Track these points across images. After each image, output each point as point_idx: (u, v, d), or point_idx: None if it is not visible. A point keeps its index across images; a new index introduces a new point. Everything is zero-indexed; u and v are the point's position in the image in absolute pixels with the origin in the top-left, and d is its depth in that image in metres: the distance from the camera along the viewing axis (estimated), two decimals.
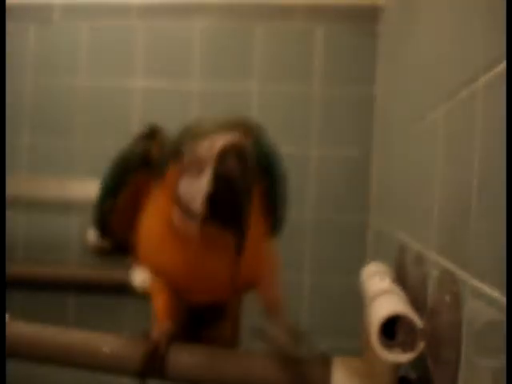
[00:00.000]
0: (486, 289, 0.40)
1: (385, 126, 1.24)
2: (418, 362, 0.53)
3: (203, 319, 0.79)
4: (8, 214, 1.42)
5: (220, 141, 0.54)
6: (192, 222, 0.58)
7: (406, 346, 0.51)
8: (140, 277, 1.40)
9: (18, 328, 0.74)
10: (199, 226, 0.58)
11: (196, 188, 0.55)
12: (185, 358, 0.65)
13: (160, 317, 0.71)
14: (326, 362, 0.63)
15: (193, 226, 0.59)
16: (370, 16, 1.35)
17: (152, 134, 0.72)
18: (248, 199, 0.55)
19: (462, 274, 0.47)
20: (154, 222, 0.66)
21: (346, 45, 1.37)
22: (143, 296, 1.41)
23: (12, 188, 1.44)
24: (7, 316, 0.76)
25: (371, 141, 1.35)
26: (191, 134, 0.59)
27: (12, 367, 1.45)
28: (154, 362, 0.64)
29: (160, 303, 0.72)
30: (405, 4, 0.96)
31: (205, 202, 0.55)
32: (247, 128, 0.59)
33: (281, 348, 0.64)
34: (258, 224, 0.67)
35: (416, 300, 0.61)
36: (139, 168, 0.68)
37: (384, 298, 0.58)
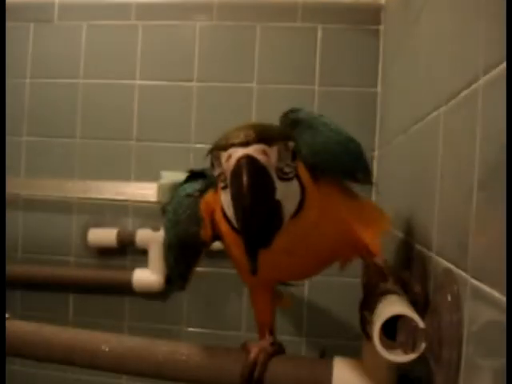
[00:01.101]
0: (486, 289, 0.40)
1: (386, 126, 1.24)
2: (419, 362, 0.53)
3: None
4: (8, 213, 1.42)
5: (234, 155, 0.51)
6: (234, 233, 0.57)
7: (407, 347, 0.51)
8: (141, 277, 1.40)
9: (18, 327, 0.74)
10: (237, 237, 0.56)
11: (228, 200, 0.54)
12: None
13: (261, 329, 0.72)
14: (326, 362, 0.63)
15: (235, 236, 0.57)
16: (372, 15, 1.35)
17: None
18: (269, 215, 0.52)
19: (462, 274, 0.47)
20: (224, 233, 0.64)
21: (347, 44, 1.37)
22: (143, 296, 1.41)
23: (12, 188, 1.44)
24: (7, 315, 0.76)
25: (372, 141, 1.35)
26: (220, 143, 0.56)
27: (12, 367, 1.45)
28: (251, 380, 0.65)
29: (262, 315, 0.73)
30: (406, 3, 0.96)
31: (235, 215, 0.53)
32: (274, 134, 0.54)
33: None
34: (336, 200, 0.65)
35: (416, 300, 0.61)
36: (202, 247, 0.65)
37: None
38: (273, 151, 0.52)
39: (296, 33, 1.38)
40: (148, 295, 1.41)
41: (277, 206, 0.52)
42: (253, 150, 0.51)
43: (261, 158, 0.51)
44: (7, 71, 1.44)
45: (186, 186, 0.68)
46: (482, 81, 0.45)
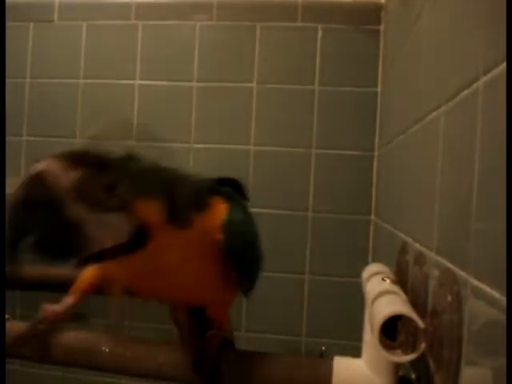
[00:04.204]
0: (486, 289, 0.40)
1: (386, 126, 1.24)
2: (419, 362, 0.53)
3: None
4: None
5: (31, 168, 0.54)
6: None
7: (408, 347, 0.51)
8: None
9: (18, 327, 0.74)
10: None
11: None
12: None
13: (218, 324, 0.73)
14: (326, 362, 0.63)
15: None
16: (372, 15, 1.35)
17: None
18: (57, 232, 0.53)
19: (462, 274, 0.47)
20: None
21: (347, 44, 1.37)
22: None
23: (12, 188, 1.44)
24: (7, 316, 0.75)
25: (372, 141, 1.35)
26: None
27: (12, 367, 1.45)
28: (206, 370, 0.65)
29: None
30: (406, 3, 0.96)
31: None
32: (85, 160, 0.54)
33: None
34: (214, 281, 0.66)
35: (417, 300, 0.61)
36: None
37: (385, 299, 0.58)
38: (73, 173, 0.53)
39: (296, 33, 1.38)
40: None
41: (66, 226, 0.52)
42: (47, 164, 0.53)
43: (52, 172, 0.53)
44: (7, 71, 1.44)
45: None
46: (481, 81, 0.45)
